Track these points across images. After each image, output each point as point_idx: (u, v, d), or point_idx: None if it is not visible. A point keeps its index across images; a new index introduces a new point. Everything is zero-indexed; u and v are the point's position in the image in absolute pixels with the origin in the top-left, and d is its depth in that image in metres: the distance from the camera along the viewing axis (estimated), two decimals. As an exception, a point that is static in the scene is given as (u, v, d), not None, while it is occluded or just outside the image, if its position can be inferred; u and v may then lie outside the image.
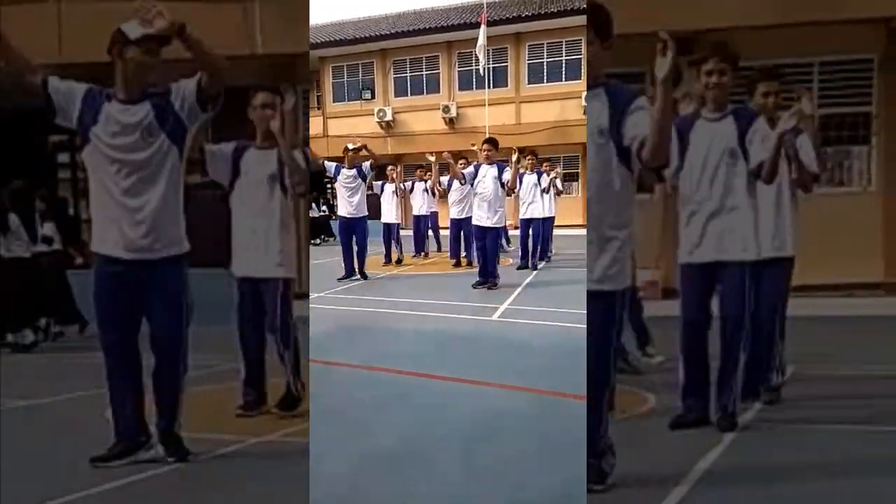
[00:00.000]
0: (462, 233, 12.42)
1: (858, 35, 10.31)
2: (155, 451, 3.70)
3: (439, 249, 15.75)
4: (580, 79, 22.24)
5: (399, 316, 8.08)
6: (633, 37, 4.51)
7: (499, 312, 7.92)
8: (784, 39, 9.94)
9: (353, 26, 28.38)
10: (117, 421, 3.68)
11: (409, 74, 27.17)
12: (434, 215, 15.51)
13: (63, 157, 13.69)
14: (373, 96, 27.53)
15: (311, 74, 25.46)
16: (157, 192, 3.55)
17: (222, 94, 3.52)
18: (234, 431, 4.27)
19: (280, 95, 4.51)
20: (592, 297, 3.14)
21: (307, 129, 12.97)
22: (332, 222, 20.14)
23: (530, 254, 12.01)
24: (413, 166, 17.99)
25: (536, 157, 12.65)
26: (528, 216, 12.02)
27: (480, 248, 9.95)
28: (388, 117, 26.55)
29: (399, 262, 13.68)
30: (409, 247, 14.57)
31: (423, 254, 14.74)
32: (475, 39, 22.94)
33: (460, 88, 26.30)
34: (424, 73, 26.94)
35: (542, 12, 24.54)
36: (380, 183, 13.40)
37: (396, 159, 22.32)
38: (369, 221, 11.11)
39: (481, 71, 24.00)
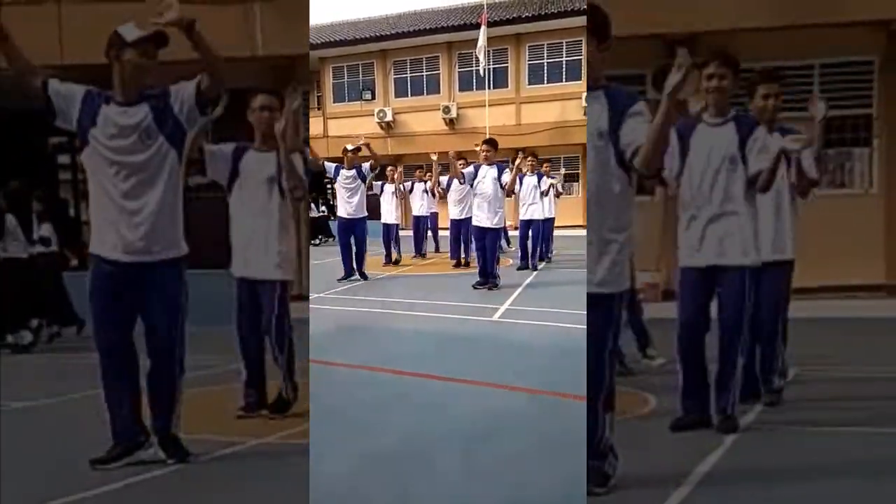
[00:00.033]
0: (462, 233, 12.42)
1: (859, 37, 10.31)
2: (154, 451, 3.69)
3: (437, 250, 15.74)
4: (581, 79, 22.20)
5: (399, 316, 8.08)
6: (633, 39, 4.51)
7: (499, 313, 7.92)
8: (784, 41, 9.95)
9: (353, 27, 28.35)
10: (114, 422, 3.66)
11: (409, 75, 27.15)
12: (434, 216, 15.52)
13: (64, 159, 13.69)
14: (373, 97, 27.50)
15: (312, 75, 25.45)
16: (156, 195, 3.54)
17: (223, 96, 3.52)
18: (234, 432, 4.27)
19: (281, 97, 4.50)
20: (592, 299, 3.15)
21: (307, 129, 12.96)
22: (331, 223, 20.12)
23: (530, 254, 12.01)
24: (413, 167, 17.98)
25: (537, 158, 12.64)
26: (527, 217, 12.01)
27: (480, 248, 9.93)
28: (389, 118, 26.53)
29: (396, 262, 13.67)
30: (408, 247, 14.57)
31: (421, 254, 14.74)
32: (475, 40, 22.88)
33: (461, 89, 26.27)
34: (425, 73, 26.91)
35: (543, 13, 24.53)
36: (379, 183, 13.39)
37: (396, 160, 22.29)
38: (369, 222, 11.12)
39: (482, 72, 23.98)
